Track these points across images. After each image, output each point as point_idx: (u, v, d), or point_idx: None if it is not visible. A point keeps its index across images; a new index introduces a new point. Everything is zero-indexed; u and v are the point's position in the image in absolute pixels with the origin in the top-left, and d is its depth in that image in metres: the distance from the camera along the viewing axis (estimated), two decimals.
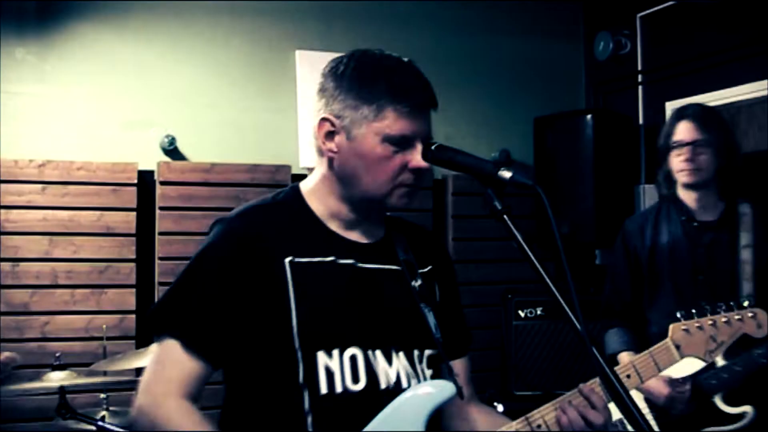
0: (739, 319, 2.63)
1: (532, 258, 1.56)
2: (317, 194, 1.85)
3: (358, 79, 1.78)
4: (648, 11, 5.20)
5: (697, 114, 3.35)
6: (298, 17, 5.05)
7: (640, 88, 5.30)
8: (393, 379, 1.76)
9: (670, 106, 5.02)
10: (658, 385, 3.21)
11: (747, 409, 3.15)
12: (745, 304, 2.60)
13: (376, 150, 1.76)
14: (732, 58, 4.57)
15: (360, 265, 1.82)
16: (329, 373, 1.71)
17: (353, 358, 1.74)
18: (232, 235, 1.77)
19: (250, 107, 4.93)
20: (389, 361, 1.77)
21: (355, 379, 1.73)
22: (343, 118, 1.77)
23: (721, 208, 3.35)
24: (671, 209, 3.42)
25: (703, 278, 3.31)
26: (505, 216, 1.63)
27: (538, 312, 4.68)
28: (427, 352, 1.85)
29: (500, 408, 4.43)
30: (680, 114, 3.39)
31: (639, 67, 5.28)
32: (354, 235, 1.85)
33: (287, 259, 1.74)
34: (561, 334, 4.64)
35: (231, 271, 1.73)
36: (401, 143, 1.76)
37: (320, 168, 1.86)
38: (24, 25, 4.52)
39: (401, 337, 1.81)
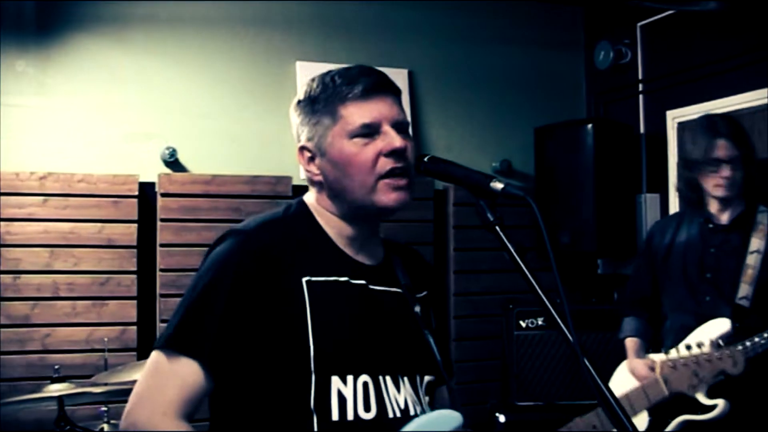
0: (718, 358, 2.85)
1: (524, 268, 1.55)
2: (320, 212, 1.84)
3: (310, 99, 1.82)
4: (648, 20, 5.20)
5: (730, 130, 3.48)
6: (299, 29, 5.07)
7: (640, 97, 5.30)
8: (402, 407, 1.73)
9: (671, 115, 5.02)
10: (642, 369, 3.34)
11: (720, 402, 3.23)
12: (720, 343, 2.81)
13: (346, 150, 1.75)
14: (733, 66, 4.57)
15: (371, 286, 1.80)
16: (342, 400, 1.67)
17: (365, 386, 1.70)
18: (251, 250, 1.72)
19: (250, 119, 4.94)
20: (398, 389, 1.75)
21: (367, 408, 1.69)
22: (313, 139, 1.80)
23: (737, 212, 3.50)
24: (695, 213, 3.59)
25: (710, 276, 3.46)
26: (497, 227, 1.62)
27: (540, 322, 4.66)
28: (426, 378, 1.83)
29: (502, 419, 4.43)
30: (715, 130, 3.49)
31: (640, 77, 5.28)
32: (360, 257, 1.83)
33: (305, 279, 1.71)
34: (563, 344, 4.59)
35: (251, 289, 1.68)
36: (366, 133, 1.75)
37: (316, 194, 1.86)
38: (24, 37, 4.54)
39: (408, 362, 1.79)
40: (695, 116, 4.84)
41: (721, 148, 3.44)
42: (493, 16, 5.52)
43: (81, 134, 4.64)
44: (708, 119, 3.65)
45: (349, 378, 1.69)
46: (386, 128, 1.76)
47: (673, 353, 3.25)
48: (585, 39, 5.72)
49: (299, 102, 1.85)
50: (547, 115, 5.34)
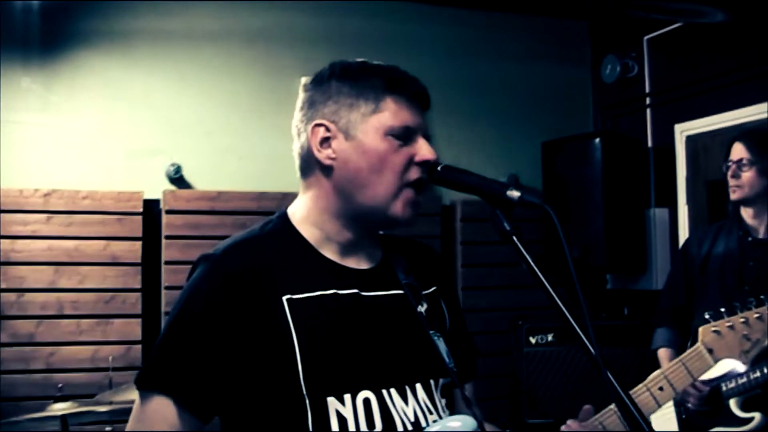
0: None
1: (543, 280, 1.49)
2: (309, 218, 1.72)
3: (348, 79, 1.69)
4: (655, 33, 5.18)
5: (749, 136, 3.53)
6: (304, 45, 5.04)
7: (648, 110, 5.27)
8: (411, 419, 1.63)
9: (679, 129, 4.99)
10: None
11: (756, 415, 3.21)
12: None
13: (381, 145, 1.65)
14: (741, 78, 4.53)
15: (363, 294, 1.68)
16: (342, 420, 1.57)
17: (367, 402, 1.60)
18: (220, 275, 1.61)
19: (255, 134, 4.91)
20: (405, 400, 1.64)
21: (371, 425, 1.59)
22: (338, 121, 1.67)
23: None
24: (733, 225, 3.58)
25: (748, 289, 3.39)
26: (514, 237, 1.56)
27: (549, 338, 4.61)
28: (441, 380, 1.72)
29: None
30: (736, 135, 3.58)
31: (647, 90, 5.25)
32: (352, 262, 1.71)
33: (285, 297, 1.60)
34: (573, 360, 4.57)
35: (223, 315, 1.58)
36: (405, 136, 1.67)
37: (311, 188, 1.73)
38: (29, 54, 4.52)
39: (416, 368, 1.69)
40: (704, 130, 4.82)
41: (734, 150, 3.48)
42: (500, 30, 5.50)
43: (85, 151, 4.61)
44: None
45: (347, 397, 1.59)
46: (420, 138, 1.69)
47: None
48: (591, 53, 5.70)
49: (328, 78, 1.71)
50: (554, 129, 5.32)
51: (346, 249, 1.72)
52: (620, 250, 4.93)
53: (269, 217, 1.77)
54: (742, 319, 2.54)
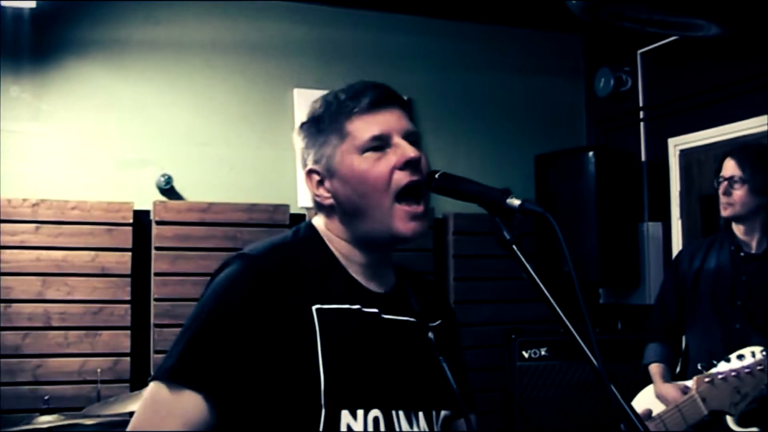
0: (761, 370, 2.60)
1: (544, 290, 1.46)
2: (330, 237, 1.75)
3: (314, 119, 1.73)
4: (648, 47, 5.18)
5: (741, 152, 3.51)
6: (296, 56, 5.03)
7: (641, 124, 5.26)
8: None
9: (673, 143, 4.98)
10: (672, 393, 3.29)
11: (754, 429, 3.17)
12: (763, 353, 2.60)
13: (358, 166, 1.66)
14: (734, 93, 4.53)
15: (383, 316, 1.70)
16: None
17: (376, 421, 1.61)
18: (258, 274, 1.62)
19: (247, 146, 4.88)
20: (410, 424, 1.66)
21: None
22: (320, 161, 1.70)
23: (767, 243, 3.47)
24: (725, 239, 3.56)
25: (741, 303, 3.41)
26: (514, 246, 1.53)
27: (543, 352, 4.57)
28: (443, 413, 1.74)
29: None
30: (729, 151, 3.56)
31: (640, 104, 5.25)
32: (372, 284, 1.73)
33: (315, 307, 1.62)
34: (566, 374, 4.53)
35: (258, 315, 1.58)
36: (376, 147, 1.66)
37: (324, 217, 1.77)
38: (20, 63, 4.48)
39: (422, 396, 1.70)
40: (697, 144, 4.81)
41: (726, 166, 3.46)
42: (493, 43, 5.49)
43: (75, 161, 4.57)
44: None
45: (360, 412, 1.60)
46: (397, 140, 1.67)
47: (712, 370, 3.18)
48: (585, 66, 5.70)
49: (302, 125, 1.76)
50: (547, 142, 5.30)
51: (365, 271, 1.73)
52: (613, 264, 4.90)
53: (297, 225, 1.80)
54: (734, 374, 2.57)
